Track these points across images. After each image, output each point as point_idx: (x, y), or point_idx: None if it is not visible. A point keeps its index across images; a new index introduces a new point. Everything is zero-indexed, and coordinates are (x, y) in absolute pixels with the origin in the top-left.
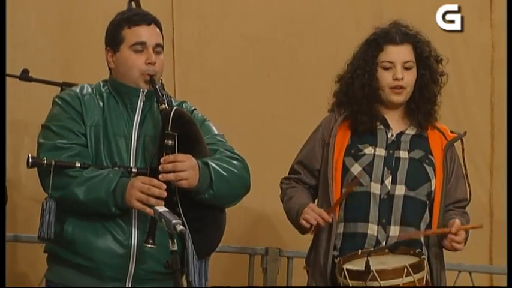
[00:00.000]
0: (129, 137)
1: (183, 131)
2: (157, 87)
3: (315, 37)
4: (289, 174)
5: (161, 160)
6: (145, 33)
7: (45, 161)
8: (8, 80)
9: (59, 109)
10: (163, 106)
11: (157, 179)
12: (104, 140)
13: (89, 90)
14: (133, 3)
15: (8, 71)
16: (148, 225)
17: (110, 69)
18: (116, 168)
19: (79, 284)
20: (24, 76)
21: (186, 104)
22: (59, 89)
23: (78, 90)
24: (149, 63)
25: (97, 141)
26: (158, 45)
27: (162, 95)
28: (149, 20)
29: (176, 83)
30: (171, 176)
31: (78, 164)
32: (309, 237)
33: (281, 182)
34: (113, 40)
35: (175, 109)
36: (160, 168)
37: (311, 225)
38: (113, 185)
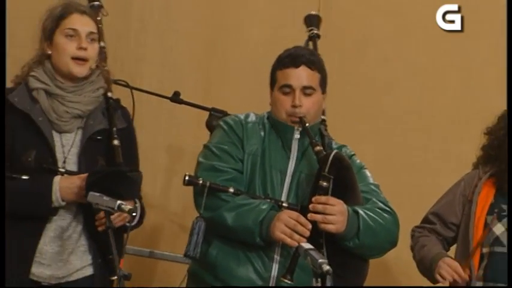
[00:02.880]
0: (284, 172)
1: (340, 176)
2: (307, 128)
3: (459, 88)
4: (422, 223)
5: (312, 199)
6: (292, 76)
7: (201, 181)
8: (153, 98)
9: (222, 132)
10: (318, 148)
11: (306, 217)
12: (260, 170)
13: (253, 118)
14: (310, 43)
15: (156, 90)
16: (289, 261)
17: None
18: (268, 200)
19: None
20: (175, 98)
21: (345, 149)
22: (207, 113)
23: (243, 117)
24: (293, 105)
25: (253, 170)
26: (306, 87)
27: (322, 136)
28: (298, 62)
29: None
30: (318, 217)
31: (231, 190)
32: None
33: (413, 231)
34: (271, 80)
35: (336, 152)
36: (311, 207)
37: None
38: (262, 216)
